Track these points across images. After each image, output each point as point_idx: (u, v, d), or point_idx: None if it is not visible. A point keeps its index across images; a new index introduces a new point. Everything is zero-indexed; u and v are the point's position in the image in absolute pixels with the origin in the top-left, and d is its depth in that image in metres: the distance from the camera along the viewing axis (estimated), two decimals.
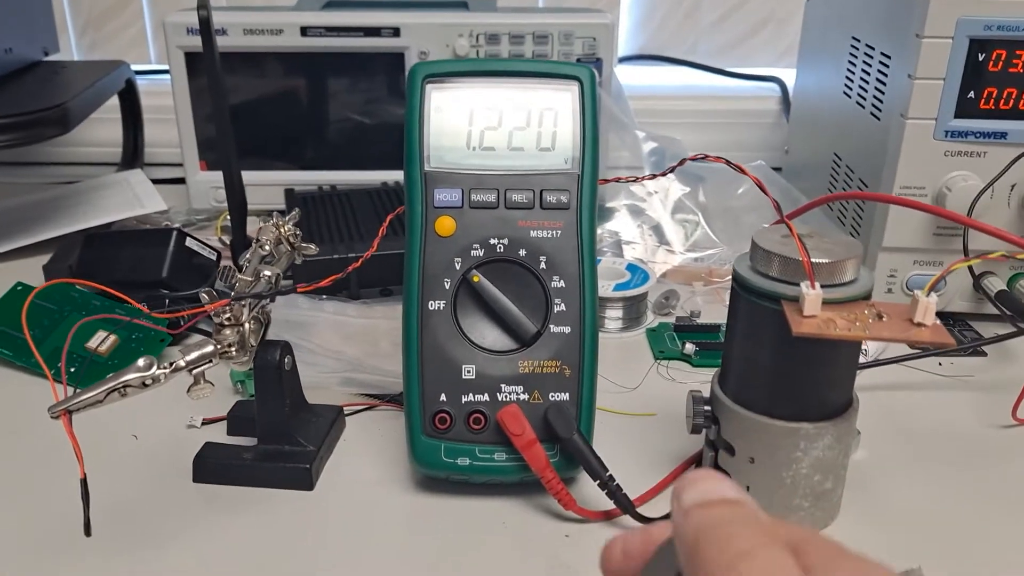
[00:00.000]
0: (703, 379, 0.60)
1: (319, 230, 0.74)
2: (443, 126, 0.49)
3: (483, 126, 0.49)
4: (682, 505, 0.23)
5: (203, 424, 0.54)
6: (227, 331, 0.41)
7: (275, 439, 0.50)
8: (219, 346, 0.41)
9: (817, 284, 0.40)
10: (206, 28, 0.59)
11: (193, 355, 0.40)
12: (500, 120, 0.49)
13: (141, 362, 0.37)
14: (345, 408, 0.56)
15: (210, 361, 0.40)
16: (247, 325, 0.42)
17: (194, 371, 0.40)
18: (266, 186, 0.86)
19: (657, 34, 1.17)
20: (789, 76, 1.13)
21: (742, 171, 0.45)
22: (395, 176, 0.87)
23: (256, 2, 1.13)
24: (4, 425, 0.55)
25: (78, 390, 0.37)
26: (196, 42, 0.81)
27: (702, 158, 0.47)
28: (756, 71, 1.16)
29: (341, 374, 0.58)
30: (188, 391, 0.40)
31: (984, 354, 0.64)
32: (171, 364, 0.39)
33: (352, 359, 0.60)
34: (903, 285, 0.66)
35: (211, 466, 0.49)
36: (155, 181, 0.92)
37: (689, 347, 0.62)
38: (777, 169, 0.97)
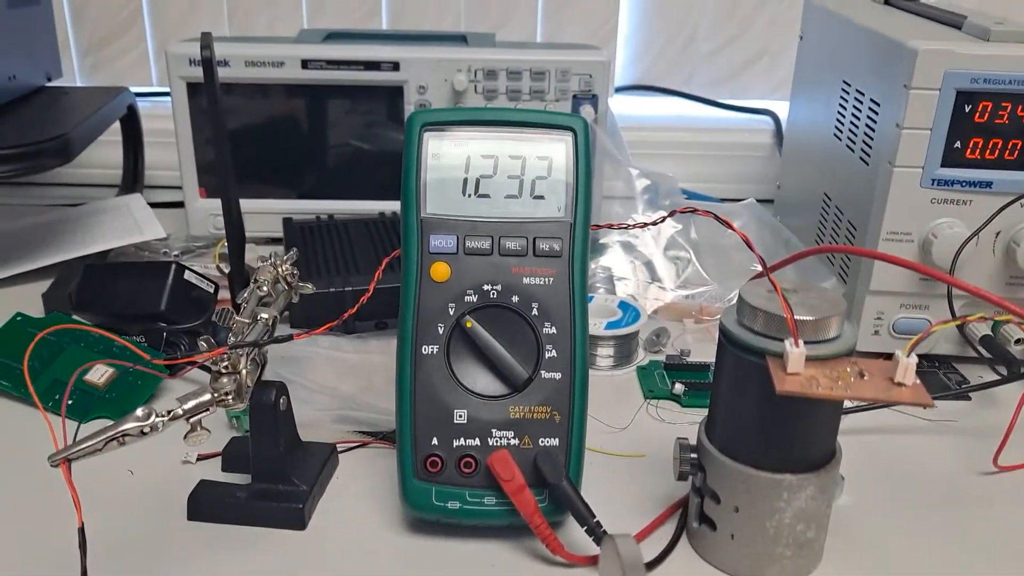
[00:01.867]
0: (692, 419, 0.61)
1: (316, 261, 0.75)
2: (440, 173, 0.50)
3: (479, 174, 0.50)
4: None
5: (198, 460, 0.55)
6: (224, 379, 0.42)
7: (269, 478, 0.51)
8: (216, 394, 0.42)
9: (801, 342, 0.41)
10: (209, 67, 0.60)
11: (191, 404, 0.41)
12: (496, 168, 0.51)
13: (139, 412, 0.38)
14: (338, 445, 0.56)
15: (207, 409, 0.41)
16: (244, 372, 0.43)
17: (191, 419, 0.41)
18: (264, 214, 0.87)
19: (654, 65, 1.19)
20: (783, 108, 1.15)
21: (728, 225, 0.46)
22: (392, 206, 0.88)
23: (258, 32, 1.14)
24: (1, 457, 0.56)
25: (78, 434, 0.38)
26: (198, 73, 0.82)
27: (691, 212, 0.48)
28: (751, 103, 1.17)
29: (335, 411, 0.59)
30: (185, 438, 0.41)
31: (968, 398, 0.65)
32: (169, 412, 0.40)
33: (346, 396, 0.61)
34: (890, 328, 0.67)
35: (205, 504, 0.50)
36: (154, 204, 0.93)
37: (678, 387, 0.63)
38: (769, 201, 0.98)
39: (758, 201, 0.84)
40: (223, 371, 0.42)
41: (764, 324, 0.43)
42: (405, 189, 0.50)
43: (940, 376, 0.67)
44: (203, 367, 0.64)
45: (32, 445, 0.56)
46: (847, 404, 0.57)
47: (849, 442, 0.47)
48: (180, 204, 0.95)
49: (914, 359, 0.40)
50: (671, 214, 0.49)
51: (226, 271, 0.82)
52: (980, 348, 0.63)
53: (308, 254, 0.76)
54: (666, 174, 0.82)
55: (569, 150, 0.51)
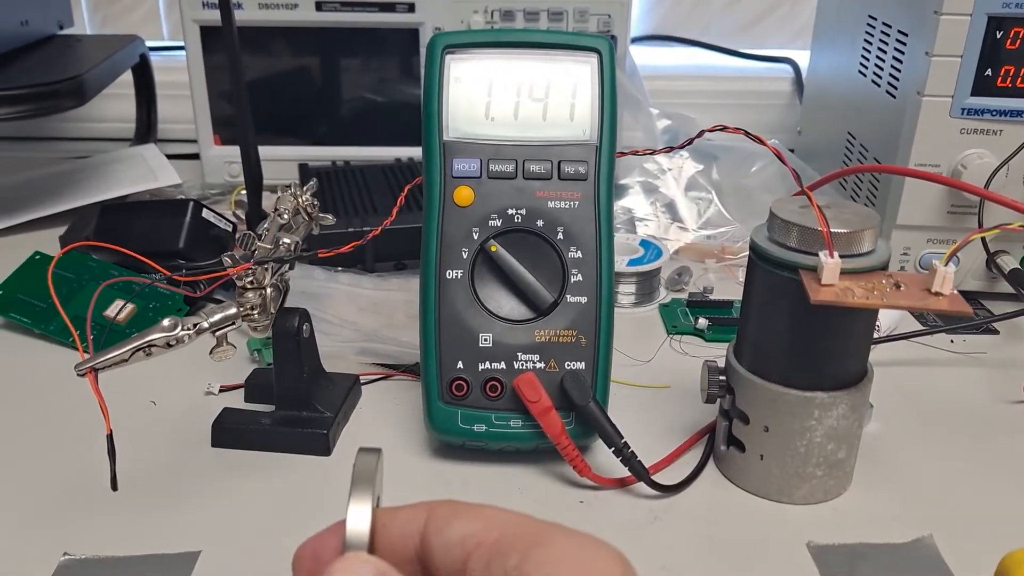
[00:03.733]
0: (716, 353, 0.60)
1: (334, 205, 0.74)
2: (462, 96, 0.49)
3: (502, 97, 0.49)
4: None
5: (221, 391, 0.55)
6: (249, 294, 0.42)
7: (293, 405, 0.50)
8: (242, 308, 0.41)
9: (836, 253, 0.40)
10: (225, 3, 0.59)
11: (216, 316, 0.40)
12: (519, 91, 0.50)
13: (166, 322, 0.38)
14: (361, 377, 0.56)
15: (233, 323, 0.41)
16: (268, 290, 0.43)
17: (217, 333, 0.40)
18: (279, 161, 0.86)
19: (670, 14, 1.17)
20: (802, 58, 1.13)
21: (761, 141, 0.45)
22: (408, 152, 0.87)
23: None
24: (26, 390, 0.56)
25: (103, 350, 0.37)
26: (211, 16, 0.82)
27: (720, 129, 0.47)
28: (769, 52, 1.16)
29: (357, 344, 0.58)
30: (211, 353, 0.41)
31: (996, 332, 0.64)
32: (195, 325, 0.39)
33: (368, 330, 0.60)
34: (916, 263, 0.66)
35: (229, 431, 0.50)
36: (168, 156, 0.93)
37: (702, 322, 0.63)
38: (790, 150, 0.97)
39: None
40: (248, 286, 0.42)
41: (797, 238, 0.42)
42: (427, 112, 0.50)
43: None
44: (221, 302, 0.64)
45: (56, 378, 0.57)
46: (874, 335, 0.57)
47: (877, 374, 0.46)
48: (194, 156, 0.94)
49: (952, 267, 0.39)
50: (700, 134, 0.48)
51: (243, 216, 0.81)
52: (1011, 280, 0.62)
53: (325, 198, 0.75)
54: (687, 115, 0.81)
55: (594, 71, 0.50)
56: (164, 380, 0.55)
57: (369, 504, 0.24)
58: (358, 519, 0.23)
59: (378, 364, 0.58)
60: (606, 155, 0.49)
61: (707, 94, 1.09)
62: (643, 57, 1.14)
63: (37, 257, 0.65)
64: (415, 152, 0.87)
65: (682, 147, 0.51)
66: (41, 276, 0.63)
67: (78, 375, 0.36)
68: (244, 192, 0.81)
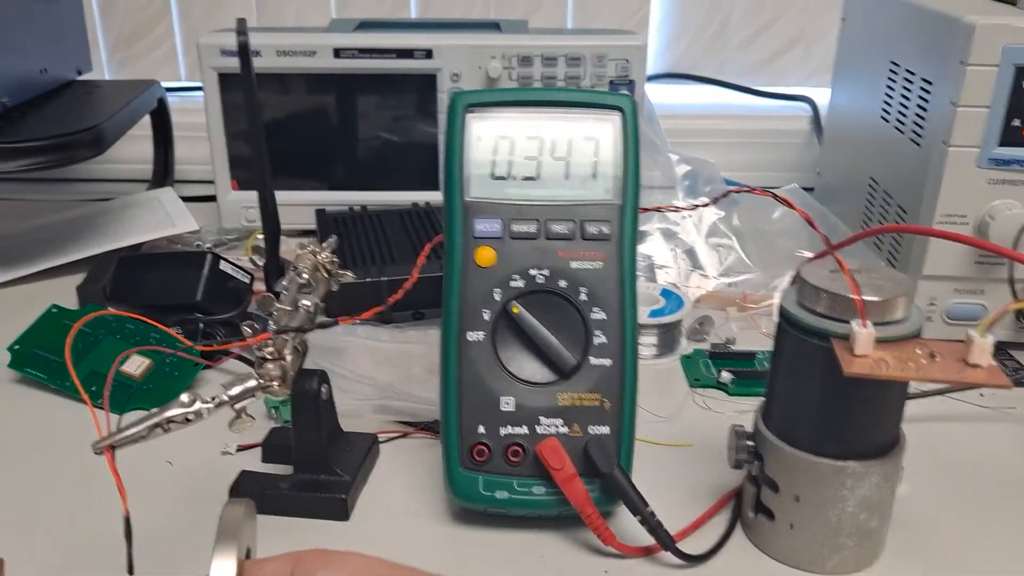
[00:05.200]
0: (740, 408, 0.60)
1: (351, 252, 0.74)
2: (483, 155, 0.49)
3: (524, 156, 0.49)
4: None
5: (238, 451, 0.54)
6: (270, 365, 0.41)
7: (311, 468, 0.50)
8: (262, 380, 0.40)
9: (869, 322, 0.39)
10: (245, 54, 0.59)
11: (236, 390, 0.39)
12: (541, 150, 0.49)
13: (184, 397, 0.37)
14: (379, 436, 0.55)
15: (252, 395, 0.40)
16: (288, 358, 0.42)
17: (236, 406, 0.39)
18: (296, 206, 0.86)
19: (687, 53, 1.17)
20: (819, 95, 1.13)
21: (789, 205, 0.44)
22: (425, 197, 0.87)
23: (287, 22, 1.13)
24: (39, 449, 0.55)
25: (120, 424, 0.37)
26: (229, 63, 0.82)
27: (748, 191, 0.46)
28: (786, 90, 1.15)
29: (375, 401, 0.58)
30: (230, 425, 0.40)
31: None
32: (214, 399, 0.38)
33: (385, 385, 0.59)
34: (943, 314, 0.65)
35: (247, 495, 0.48)
36: (184, 199, 0.93)
37: (725, 375, 0.61)
38: (808, 189, 0.96)
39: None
40: (268, 357, 0.41)
41: (828, 305, 0.41)
42: (448, 173, 0.49)
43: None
44: (240, 358, 0.63)
45: (71, 436, 0.56)
46: None
47: (905, 430, 0.45)
48: (210, 198, 0.94)
49: (990, 339, 0.38)
50: (725, 195, 0.48)
51: (260, 263, 0.81)
52: None
53: (343, 245, 0.75)
54: (707, 160, 0.80)
55: (617, 130, 0.49)
56: (181, 438, 0.54)
57: (233, 557, 0.24)
58: (222, 573, 0.24)
59: (397, 421, 0.57)
60: (630, 215, 0.49)
61: (724, 133, 1.09)
62: (659, 95, 1.14)
63: (54, 310, 0.64)
64: (432, 196, 0.87)
65: (706, 205, 0.50)
66: (58, 330, 0.63)
67: (95, 452, 0.36)
68: (261, 237, 0.81)
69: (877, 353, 0.39)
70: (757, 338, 0.68)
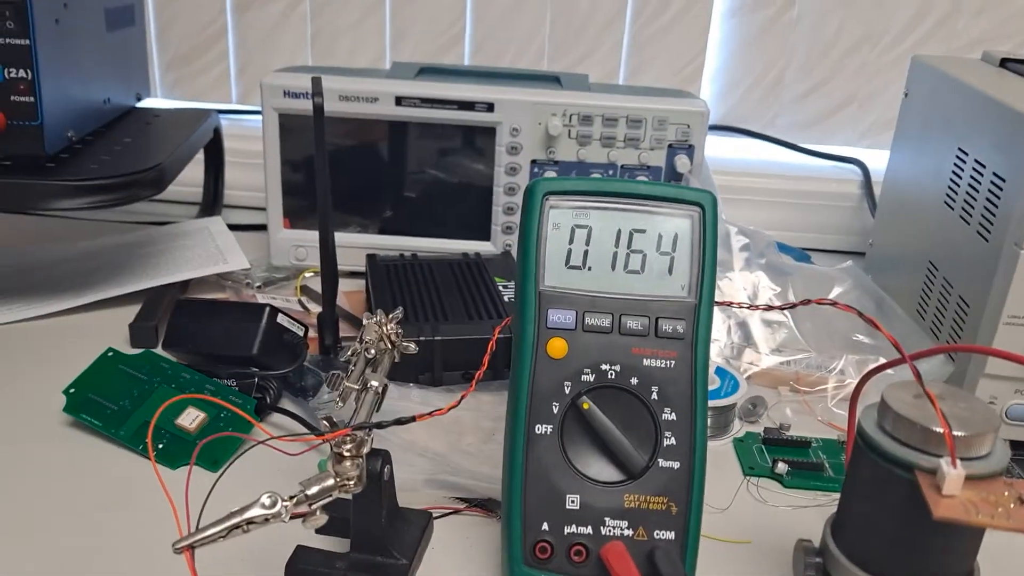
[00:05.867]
0: (795, 502, 0.59)
1: (402, 301, 0.73)
2: (560, 245, 0.49)
3: (601, 247, 0.49)
4: None
5: (291, 519, 0.54)
6: (348, 463, 0.41)
7: (369, 549, 0.49)
8: (339, 478, 0.40)
9: (959, 462, 0.38)
10: (319, 115, 0.59)
11: (314, 489, 0.39)
12: (618, 242, 0.49)
13: (266, 499, 0.37)
14: (433, 511, 0.55)
15: (330, 495, 0.40)
16: (365, 455, 0.42)
17: (313, 505, 0.39)
18: (345, 248, 0.86)
19: (738, 105, 1.16)
20: (869, 157, 1.12)
21: (875, 326, 0.43)
22: (475, 247, 0.87)
23: (339, 56, 1.14)
24: (92, 498, 0.55)
25: (200, 522, 0.37)
26: (291, 105, 0.82)
27: (831, 304, 0.45)
28: (835, 149, 1.15)
29: (428, 476, 0.57)
30: (304, 522, 0.40)
31: None
32: (293, 498, 0.38)
33: (438, 455, 0.59)
34: (1003, 413, 0.64)
35: (303, 574, 0.49)
36: (232, 227, 0.93)
37: (781, 467, 0.61)
38: (858, 254, 0.95)
39: (844, 253, 0.81)
40: (346, 454, 0.41)
41: (912, 435, 0.40)
42: (524, 260, 0.49)
43: None
44: (289, 414, 0.63)
45: (119, 485, 0.56)
46: None
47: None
48: (258, 227, 0.95)
49: None
50: (805, 302, 0.47)
51: (307, 304, 0.81)
52: None
53: (393, 295, 0.75)
54: (761, 231, 0.79)
55: (696, 226, 0.49)
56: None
57: None
58: None
59: (451, 496, 0.57)
60: (704, 314, 0.48)
61: (772, 192, 1.08)
62: (707, 147, 1.13)
63: (110, 354, 0.64)
64: (482, 247, 0.87)
65: (783, 308, 0.50)
66: (113, 375, 0.63)
67: (175, 552, 0.36)
68: (309, 275, 0.81)
69: (965, 493, 0.38)
70: (812, 424, 0.67)
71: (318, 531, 0.53)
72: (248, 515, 0.36)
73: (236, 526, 0.36)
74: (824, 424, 0.67)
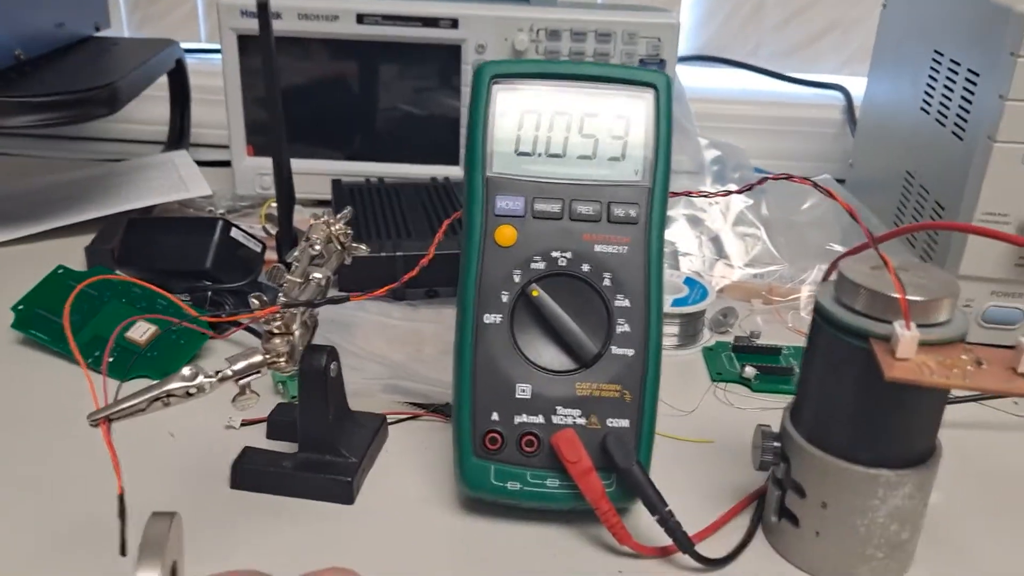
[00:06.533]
0: (763, 405, 0.57)
1: (366, 224, 0.72)
2: (508, 130, 0.46)
3: (550, 132, 0.47)
4: None
5: (242, 425, 0.52)
6: (277, 340, 0.39)
7: (316, 448, 0.48)
8: (268, 356, 0.38)
9: (913, 324, 0.36)
10: (264, 15, 0.57)
11: (241, 364, 0.38)
12: (569, 126, 0.47)
13: (186, 371, 0.35)
14: (388, 417, 0.53)
15: (258, 371, 0.38)
16: (297, 333, 0.40)
17: (240, 381, 0.38)
18: (312, 175, 0.84)
19: (717, 34, 1.13)
20: (852, 84, 1.09)
21: (830, 195, 0.42)
22: (444, 172, 0.85)
23: None
24: (39, 415, 0.54)
25: (119, 394, 0.35)
26: (249, 24, 0.80)
27: (785, 178, 0.44)
28: (818, 77, 1.12)
29: (385, 381, 0.56)
30: (233, 401, 0.38)
31: None
32: (217, 373, 0.37)
33: (396, 364, 0.58)
34: (978, 317, 0.63)
35: (250, 473, 0.47)
36: (200, 163, 0.91)
37: (749, 371, 0.59)
38: (840, 181, 0.93)
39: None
40: (275, 331, 0.39)
41: (868, 303, 0.39)
42: (470, 146, 0.47)
43: None
44: (248, 329, 0.61)
45: (70, 402, 0.54)
46: None
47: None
48: (225, 163, 0.92)
49: None
50: (760, 182, 0.45)
51: (272, 231, 0.79)
52: None
53: (358, 217, 0.73)
54: (736, 146, 0.77)
55: (649, 109, 0.47)
56: (184, 410, 0.52)
57: (157, 573, 0.23)
58: None
59: (407, 402, 0.55)
60: (659, 198, 0.46)
61: (754, 119, 1.06)
62: (688, 77, 1.11)
63: (60, 271, 0.62)
64: (452, 172, 0.85)
65: (740, 192, 0.48)
66: (64, 291, 0.61)
67: (91, 425, 0.34)
68: (275, 206, 0.79)
69: (920, 357, 0.36)
70: (782, 332, 0.66)
71: (268, 436, 0.52)
72: (168, 387, 0.35)
73: (156, 398, 0.34)
74: (795, 332, 0.66)
